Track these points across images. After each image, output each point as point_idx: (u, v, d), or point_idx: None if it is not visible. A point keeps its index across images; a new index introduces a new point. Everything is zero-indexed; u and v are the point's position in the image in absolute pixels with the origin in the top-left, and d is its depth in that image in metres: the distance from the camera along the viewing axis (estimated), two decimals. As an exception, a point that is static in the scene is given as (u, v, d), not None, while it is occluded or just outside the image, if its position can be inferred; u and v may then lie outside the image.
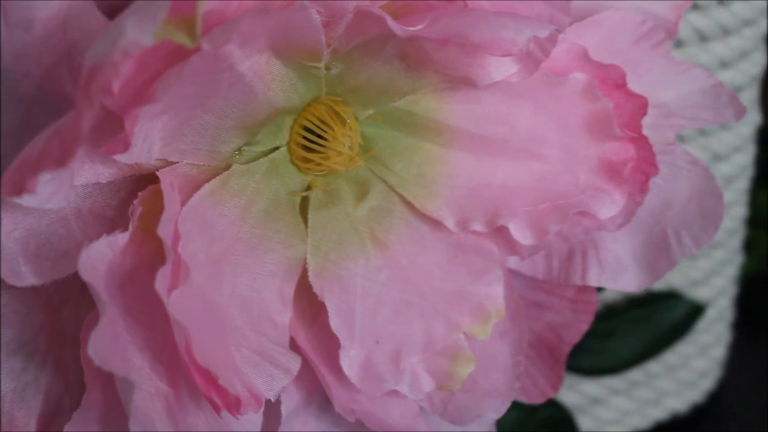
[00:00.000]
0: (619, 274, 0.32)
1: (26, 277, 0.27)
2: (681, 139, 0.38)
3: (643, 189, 0.30)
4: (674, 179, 0.32)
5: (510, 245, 0.31)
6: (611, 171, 0.30)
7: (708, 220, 0.32)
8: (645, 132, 0.30)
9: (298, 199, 0.30)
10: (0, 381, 0.28)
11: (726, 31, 0.37)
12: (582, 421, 0.42)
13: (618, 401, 0.42)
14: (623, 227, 0.31)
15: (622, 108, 0.30)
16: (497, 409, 0.31)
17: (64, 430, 0.28)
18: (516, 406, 0.39)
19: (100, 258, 0.26)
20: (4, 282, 0.28)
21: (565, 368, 0.39)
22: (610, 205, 0.30)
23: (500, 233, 0.30)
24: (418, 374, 0.30)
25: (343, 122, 0.29)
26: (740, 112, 0.31)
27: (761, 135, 0.54)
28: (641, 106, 0.30)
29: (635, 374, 0.42)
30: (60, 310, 0.29)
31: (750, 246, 0.51)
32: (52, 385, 0.29)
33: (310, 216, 0.30)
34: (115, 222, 0.28)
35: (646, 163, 0.30)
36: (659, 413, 0.44)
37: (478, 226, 0.30)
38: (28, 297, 0.28)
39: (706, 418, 0.46)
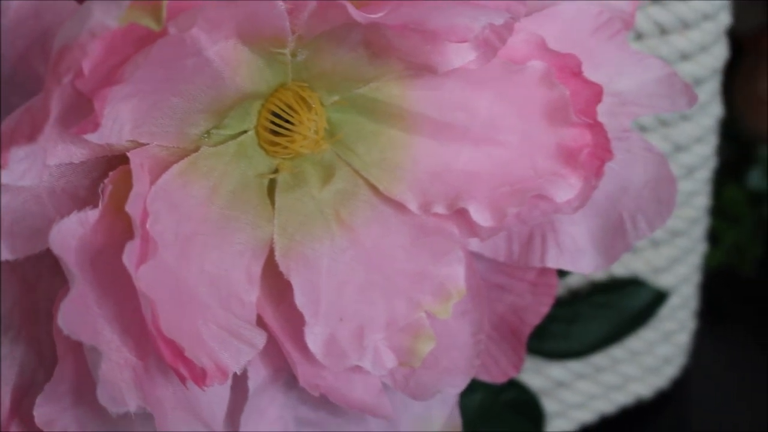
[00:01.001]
0: (577, 256, 0.33)
1: (1, 251, 0.28)
2: (643, 129, 0.39)
3: (598, 173, 0.31)
4: (630, 165, 0.33)
5: (470, 227, 0.32)
6: (568, 156, 0.31)
7: (662, 204, 0.33)
8: (602, 119, 0.31)
9: (265, 182, 0.31)
10: (-24, 354, 0.30)
11: (686, 25, 0.38)
12: (547, 404, 0.43)
13: (583, 385, 0.44)
14: (580, 210, 0.32)
15: (578, 95, 0.31)
16: (457, 385, 0.32)
17: (37, 401, 0.29)
18: (481, 388, 0.40)
19: (71, 233, 0.27)
20: (-20, 259, 0.29)
21: (531, 352, 0.41)
22: (566, 189, 0.31)
23: (461, 216, 0.31)
24: (380, 351, 0.31)
25: (309, 107, 0.30)
26: (693, 100, 0.32)
27: (729, 130, 0.55)
28: (597, 93, 0.31)
29: (600, 359, 0.43)
30: (34, 287, 0.30)
31: (717, 239, 0.53)
32: (25, 358, 0.30)
33: (277, 198, 0.31)
34: (87, 201, 0.29)
35: (602, 149, 0.31)
36: (624, 398, 0.45)
37: (439, 209, 0.31)
38: (3, 274, 0.30)
39: (671, 404, 0.47)
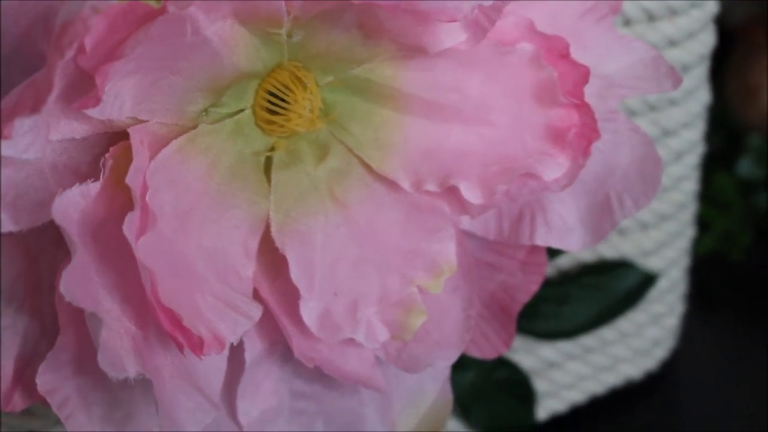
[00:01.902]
0: (565, 234, 0.34)
1: (5, 224, 0.29)
2: (631, 113, 0.40)
3: (585, 153, 0.32)
4: (617, 146, 0.34)
5: (461, 205, 0.33)
6: (556, 136, 0.32)
7: (648, 184, 0.34)
8: (589, 101, 0.32)
9: (261, 159, 0.32)
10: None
11: (674, 12, 0.39)
12: (539, 384, 0.44)
13: (573, 366, 0.44)
14: (567, 189, 0.33)
15: (566, 77, 0.32)
16: (448, 358, 0.33)
17: (39, 369, 0.30)
18: (473, 367, 0.41)
19: (73, 205, 0.28)
20: (-15, 232, 0.30)
21: (522, 332, 0.42)
22: (554, 168, 0.32)
23: (452, 194, 0.32)
24: (373, 324, 0.32)
25: (305, 87, 0.31)
26: (677, 82, 0.33)
27: (720, 119, 0.56)
28: (584, 75, 0.32)
29: (590, 340, 0.44)
30: (37, 260, 0.31)
31: (707, 226, 0.53)
32: (28, 329, 0.31)
33: (273, 175, 0.32)
34: (89, 177, 0.30)
35: (589, 129, 0.32)
36: (614, 379, 0.46)
37: (431, 186, 0.32)
38: (7, 247, 0.31)
39: (661, 386, 0.48)
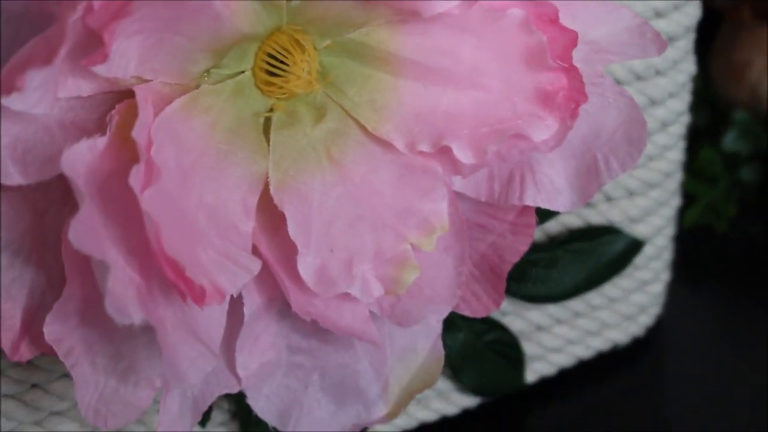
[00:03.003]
0: (553, 195, 0.35)
1: (14, 176, 0.30)
2: (618, 83, 0.41)
3: (573, 115, 0.33)
4: (603, 109, 0.35)
5: (453, 165, 0.34)
6: (545, 99, 0.33)
7: (633, 145, 0.35)
8: (577, 65, 0.33)
9: (261, 120, 0.33)
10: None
11: (660, -17, 0.40)
12: (527, 347, 0.45)
13: (561, 330, 0.46)
14: (556, 151, 0.34)
15: (555, 42, 0.33)
16: (440, 313, 0.34)
17: (47, 319, 0.31)
18: (464, 328, 0.43)
19: (81, 159, 0.29)
20: (-6, 186, 0.31)
21: (511, 295, 0.43)
22: (543, 129, 0.33)
23: (445, 154, 0.34)
24: (368, 280, 0.33)
25: (303, 50, 0.32)
26: (662, 47, 0.34)
27: (705, 96, 0.57)
28: (572, 39, 0.33)
29: (578, 305, 0.45)
30: (44, 215, 0.32)
31: (693, 199, 0.55)
32: (35, 281, 0.32)
33: (272, 135, 0.33)
34: (94, 134, 0.31)
35: (577, 92, 0.33)
36: (601, 344, 0.47)
37: (424, 147, 0.33)
38: (15, 201, 0.32)
39: (646, 352, 0.49)
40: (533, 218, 0.37)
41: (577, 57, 0.33)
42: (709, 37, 0.58)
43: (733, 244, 0.55)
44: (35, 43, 0.27)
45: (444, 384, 0.44)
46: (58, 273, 0.32)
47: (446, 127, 0.33)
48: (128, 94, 0.31)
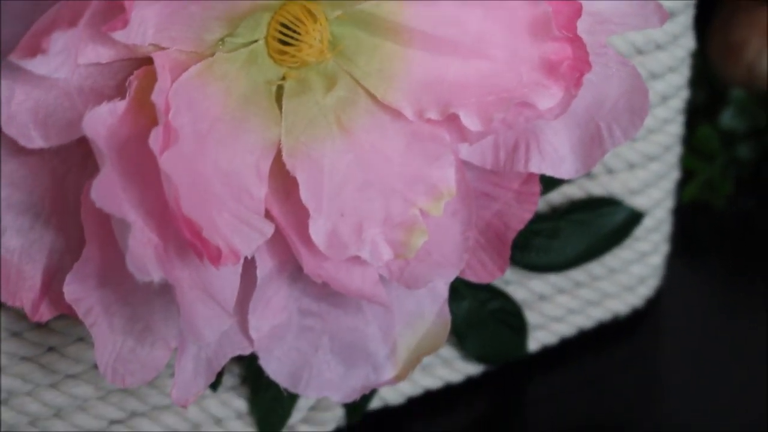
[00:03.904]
0: (557, 162, 0.36)
1: (36, 140, 0.31)
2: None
3: (577, 83, 0.34)
4: (606, 78, 0.36)
5: (461, 132, 0.35)
6: (550, 68, 0.34)
7: (635, 114, 0.36)
8: (581, 36, 0.34)
9: (273, 88, 0.34)
10: (10, 238, 0.32)
11: (660, -41, 0.41)
12: (529, 315, 0.46)
13: (563, 299, 0.47)
14: (560, 120, 0.35)
15: (560, 12, 0.34)
16: (448, 276, 0.35)
17: (66, 279, 0.32)
18: (469, 297, 0.44)
19: (101, 121, 0.30)
20: (15, 150, 0.32)
21: (515, 264, 0.44)
22: (548, 98, 0.34)
23: (452, 122, 0.34)
24: (377, 244, 0.34)
25: (315, 19, 0.33)
26: (663, 18, 0.35)
27: (703, 76, 0.58)
28: (576, 10, 0.34)
29: (579, 275, 0.46)
30: (63, 179, 0.33)
31: (691, 175, 0.56)
32: (55, 244, 0.33)
33: (284, 103, 0.34)
34: (113, 99, 0.32)
35: (581, 61, 0.34)
36: (601, 314, 0.48)
37: (432, 115, 0.34)
38: (35, 165, 0.33)
39: (645, 323, 0.50)
40: (537, 186, 0.38)
41: (581, 28, 0.34)
42: (707, 17, 0.59)
43: (730, 220, 0.56)
44: (59, 7, 0.28)
45: (448, 352, 0.45)
46: (76, 236, 0.33)
47: (454, 96, 0.34)
48: (145, 61, 0.32)
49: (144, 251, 0.30)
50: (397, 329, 0.37)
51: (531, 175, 0.37)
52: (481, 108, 0.34)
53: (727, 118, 0.56)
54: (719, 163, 0.56)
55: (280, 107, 0.34)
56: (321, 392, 0.37)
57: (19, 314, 0.36)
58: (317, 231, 0.34)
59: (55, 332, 0.37)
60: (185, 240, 0.31)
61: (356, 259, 0.34)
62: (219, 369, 0.35)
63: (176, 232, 0.31)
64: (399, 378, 0.37)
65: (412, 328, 0.37)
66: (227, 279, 0.34)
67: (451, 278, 0.36)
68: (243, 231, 0.32)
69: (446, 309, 0.37)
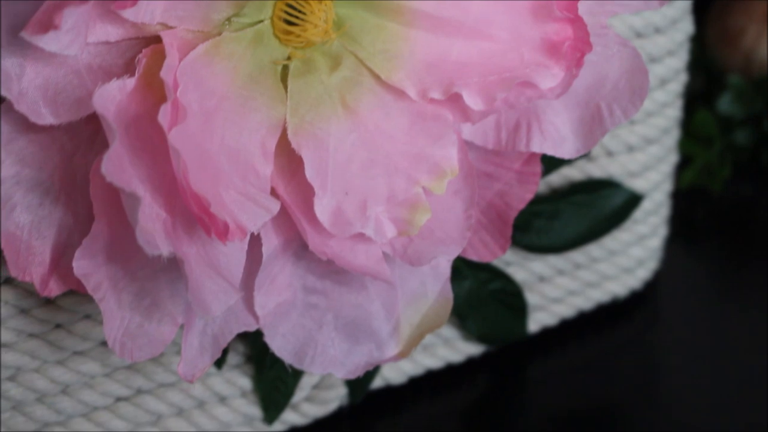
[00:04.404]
0: (558, 142, 0.36)
1: (45, 117, 0.32)
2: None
3: (579, 63, 0.34)
4: (607, 59, 0.36)
5: (463, 112, 0.35)
6: (552, 48, 0.35)
7: (635, 94, 0.36)
8: (582, 16, 0.34)
9: (279, 67, 0.34)
10: (20, 214, 0.33)
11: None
12: (530, 297, 0.46)
13: (563, 281, 0.47)
14: (562, 101, 0.36)
15: (561, -7, 0.34)
16: (450, 253, 0.36)
17: (75, 254, 0.32)
18: (470, 277, 0.44)
19: (110, 98, 0.31)
20: (25, 128, 0.33)
21: (516, 245, 0.44)
22: (550, 78, 0.35)
23: (455, 102, 0.35)
24: (381, 221, 0.35)
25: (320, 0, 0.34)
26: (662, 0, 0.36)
27: (700, 61, 0.59)
28: (577, -9, 0.34)
29: (579, 256, 0.47)
30: (72, 156, 0.33)
31: (689, 160, 0.56)
32: (63, 220, 0.34)
33: (290, 82, 0.34)
34: (121, 77, 0.32)
35: (582, 42, 0.34)
36: (600, 295, 0.49)
37: (435, 94, 0.35)
38: (45, 143, 0.33)
39: (644, 305, 0.51)
40: (539, 167, 0.38)
41: (582, 9, 0.35)
42: (704, 4, 0.59)
43: (727, 205, 0.57)
44: (71, -16, 0.29)
45: (450, 332, 0.46)
46: (84, 213, 0.34)
47: (456, 76, 0.35)
48: (153, 40, 0.33)
49: (153, 226, 0.31)
50: (401, 307, 0.38)
51: (532, 155, 0.38)
52: (483, 87, 0.35)
53: (725, 103, 0.57)
54: (717, 149, 0.56)
55: (285, 87, 0.34)
56: (325, 369, 0.37)
57: (27, 291, 0.37)
58: (322, 209, 0.34)
59: (62, 309, 0.38)
60: (193, 215, 0.31)
61: (360, 237, 0.35)
62: (225, 345, 0.36)
63: (184, 207, 0.32)
64: (402, 355, 0.38)
65: (415, 306, 0.38)
66: (233, 256, 0.34)
67: (454, 255, 0.36)
68: (249, 207, 0.33)
69: (448, 287, 0.38)
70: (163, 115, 0.30)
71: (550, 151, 0.36)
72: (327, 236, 0.35)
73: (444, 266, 0.38)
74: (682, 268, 0.53)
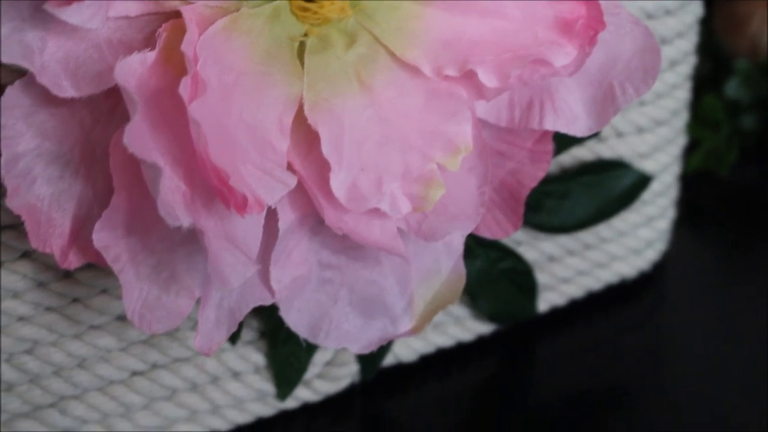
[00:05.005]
0: (571, 120, 0.37)
1: (67, 90, 0.32)
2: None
3: (592, 42, 0.35)
4: (620, 38, 0.37)
5: (478, 89, 0.35)
6: (565, 27, 0.35)
7: (648, 72, 0.37)
8: (595, -5, 0.35)
9: (296, 44, 0.35)
10: (40, 187, 0.33)
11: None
12: (540, 277, 0.47)
13: (572, 261, 0.47)
14: (574, 80, 0.36)
15: (574, -28, 0.35)
16: (464, 229, 0.36)
17: (95, 226, 0.33)
18: (481, 256, 0.44)
19: (132, 71, 0.31)
20: (46, 101, 0.33)
21: (526, 224, 0.45)
22: (564, 56, 0.35)
23: (470, 79, 0.35)
24: (396, 197, 0.35)
25: (336, -23, 0.34)
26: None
27: (707, 47, 0.59)
28: (591, -30, 0.35)
29: (588, 237, 0.47)
30: (91, 130, 0.34)
31: (697, 144, 0.57)
32: (83, 193, 0.34)
33: (306, 58, 0.35)
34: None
35: (595, 20, 0.35)
36: (609, 276, 0.49)
37: (450, 71, 0.35)
38: (65, 117, 0.33)
39: (651, 287, 0.51)
40: (550, 145, 0.39)
41: (596, -12, 0.35)
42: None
43: (734, 189, 0.57)
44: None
45: (460, 311, 0.46)
46: (103, 187, 0.34)
47: (471, 53, 0.35)
48: (172, 15, 0.33)
49: (173, 198, 0.31)
50: (414, 283, 0.38)
51: (544, 134, 0.38)
52: (498, 65, 0.35)
53: (732, 88, 0.57)
54: (724, 133, 0.57)
55: (302, 63, 0.35)
56: (340, 343, 0.38)
57: (45, 265, 0.37)
58: (338, 184, 0.35)
59: (80, 283, 0.38)
60: (213, 187, 0.31)
61: (376, 212, 0.35)
62: (241, 319, 0.36)
63: (203, 181, 0.32)
64: (415, 330, 0.38)
65: (428, 283, 0.38)
66: (250, 230, 0.34)
67: (468, 231, 0.36)
68: (267, 182, 0.33)
69: (461, 264, 0.38)
70: (184, 88, 0.31)
71: (563, 129, 0.37)
72: (343, 211, 0.35)
73: (457, 243, 0.38)
74: (689, 251, 0.53)
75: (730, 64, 0.59)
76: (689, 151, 0.55)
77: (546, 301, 0.48)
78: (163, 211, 0.30)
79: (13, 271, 0.37)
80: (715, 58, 0.59)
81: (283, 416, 0.44)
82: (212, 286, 0.35)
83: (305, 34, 0.35)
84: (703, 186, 0.57)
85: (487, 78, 0.35)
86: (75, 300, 0.38)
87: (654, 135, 0.47)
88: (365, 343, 0.38)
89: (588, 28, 0.35)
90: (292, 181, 0.34)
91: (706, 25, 0.60)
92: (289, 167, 0.34)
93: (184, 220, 0.31)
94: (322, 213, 0.35)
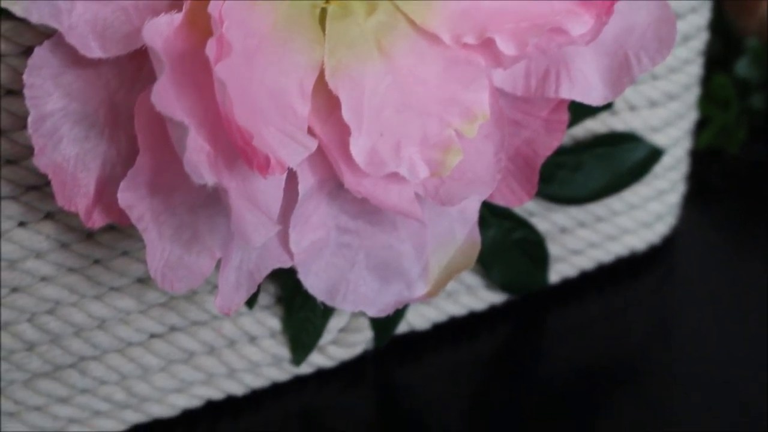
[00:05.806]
0: (587, 89, 0.37)
1: (94, 50, 0.33)
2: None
3: (608, 11, 0.35)
4: (636, 8, 0.37)
5: (495, 57, 0.36)
6: (583, -4, 0.36)
7: (663, 42, 0.37)
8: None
9: (317, 10, 0.35)
10: (66, 146, 0.34)
11: None
12: (551, 248, 0.47)
13: (584, 233, 0.48)
14: (591, 49, 0.37)
15: (592, -58, 0.35)
16: (481, 194, 0.37)
17: (120, 185, 0.33)
18: (494, 226, 0.45)
19: (159, 32, 0.32)
20: (73, 62, 0.34)
21: (539, 195, 0.45)
22: (581, 25, 0.35)
23: (488, 48, 0.36)
24: (415, 162, 0.36)
25: (358, -56, 0.35)
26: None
27: (718, 27, 0.60)
28: (608, -60, 0.35)
29: (599, 209, 0.48)
30: (116, 92, 0.34)
31: (707, 122, 0.57)
32: (107, 154, 0.35)
33: (328, 25, 0.35)
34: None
35: (612, -10, 0.35)
36: (619, 249, 0.50)
37: (469, 39, 0.36)
38: (91, 78, 0.34)
39: (661, 261, 0.52)
40: (565, 114, 0.39)
41: (612, -41, 0.36)
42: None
43: (742, 166, 0.58)
44: None
45: (473, 280, 0.47)
46: (127, 149, 0.35)
47: (490, 21, 0.36)
48: (197, -18, 0.34)
49: (198, 158, 0.32)
50: (430, 249, 0.39)
51: (560, 103, 0.39)
52: (516, 33, 0.35)
53: (742, 67, 0.58)
54: (734, 111, 0.57)
55: (323, 29, 0.35)
56: (356, 306, 0.38)
57: (68, 226, 0.38)
58: (358, 149, 0.35)
59: (101, 245, 0.39)
60: (236, 147, 0.32)
61: (394, 176, 0.36)
62: (260, 281, 0.37)
63: (226, 143, 0.32)
64: (430, 294, 0.39)
65: (443, 248, 0.39)
66: (271, 192, 0.35)
67: (484, 196, 0.37)
68: (288, 144, 0.34)
69: (476, 231, 0.39)
70: (210, 49, 0.31)
71: (579, 98, 0.37)
72: (362, 175, 0.36)
73: (472, 211, 0.39)
74: (698, 227, 0.54)
75: (740, 43, 0.59)
76: (699, 129, 0.55)
77: (557, 272, 0.49)
78: (188, 169, 0.31)
79: (37, 231, 0.37)
80: (726, 38, 0.60)
81: (297, 381, 0.45)
82: (233, 248, 0.36)
83: (327, 1, 0.35)
84: (712, 163, 0.58)
85: (505, 46, 0.36)
86: (96, 261, 0.39)
87: (666, 109, 0.47)
88: (381, 307, 0.39)
89: (605, -2, 0.35)
90: (313, 145, 0.34)
91: (717, 4, 0.60)
92: (310, 131, 0.35)
93: (209, 179, 0.31)
94: (342, 177, 0.35)
